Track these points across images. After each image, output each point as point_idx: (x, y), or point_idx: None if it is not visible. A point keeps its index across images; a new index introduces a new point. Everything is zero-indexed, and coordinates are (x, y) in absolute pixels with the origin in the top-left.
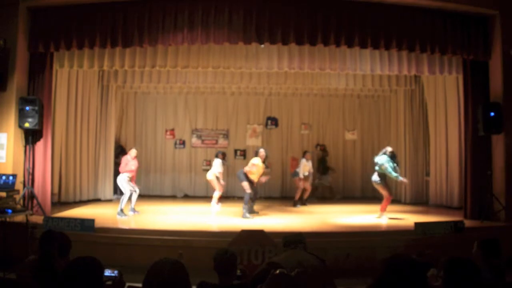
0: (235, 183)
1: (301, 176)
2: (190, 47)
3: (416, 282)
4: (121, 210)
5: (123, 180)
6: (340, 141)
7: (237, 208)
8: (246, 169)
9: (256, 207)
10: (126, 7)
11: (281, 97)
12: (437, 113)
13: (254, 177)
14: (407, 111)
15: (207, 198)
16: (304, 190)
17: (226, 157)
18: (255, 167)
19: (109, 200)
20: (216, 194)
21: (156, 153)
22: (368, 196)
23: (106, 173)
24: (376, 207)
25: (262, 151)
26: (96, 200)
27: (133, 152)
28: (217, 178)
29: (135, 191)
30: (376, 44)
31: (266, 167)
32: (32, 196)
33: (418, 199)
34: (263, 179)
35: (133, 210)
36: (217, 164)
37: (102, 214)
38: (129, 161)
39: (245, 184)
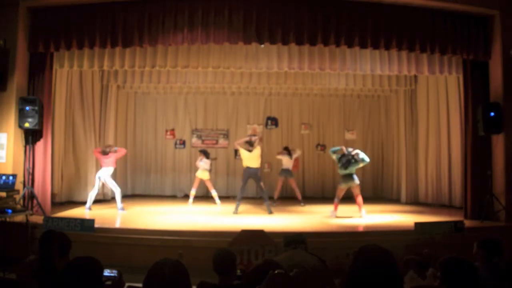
0: (235, 182)
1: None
2: (190, 47)
3: (386, 271)
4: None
5: None
6: (340, 141)
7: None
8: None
9: (256, 207)
10: (126, 7)
11: (281, 97)
12: (434, 113)
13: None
14: (407, 111)
15: (207, 198)
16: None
17: (207, 155)
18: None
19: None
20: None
21: (156, 153)
22: (368, 196)
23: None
24: (376, 207)
25: (253, 138)
26: (97, 200)
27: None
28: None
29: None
30: (376, 44)
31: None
32: (32, 196)
33: (418, 199)
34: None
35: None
36: None
37: (102, 214)
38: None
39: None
